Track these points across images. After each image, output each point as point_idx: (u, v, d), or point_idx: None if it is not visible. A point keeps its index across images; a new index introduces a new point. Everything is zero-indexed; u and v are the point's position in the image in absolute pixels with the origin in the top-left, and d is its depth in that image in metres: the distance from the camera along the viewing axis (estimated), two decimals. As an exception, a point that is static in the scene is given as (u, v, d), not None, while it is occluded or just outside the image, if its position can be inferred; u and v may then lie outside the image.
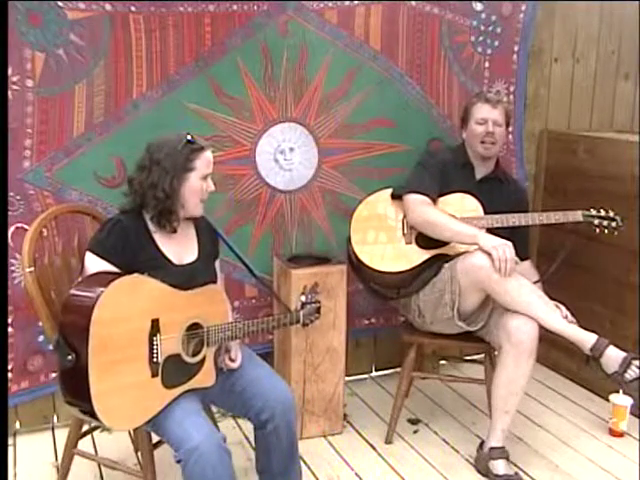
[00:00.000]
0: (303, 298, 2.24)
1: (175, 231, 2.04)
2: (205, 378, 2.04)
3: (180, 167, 1.97)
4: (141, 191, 1.99)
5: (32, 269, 2.06)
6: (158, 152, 1.98)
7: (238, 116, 2.76)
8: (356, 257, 2.65)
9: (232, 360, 2.12)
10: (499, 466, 2.47)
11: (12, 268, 2.52)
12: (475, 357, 3.20)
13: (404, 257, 2.62)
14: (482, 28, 3.06)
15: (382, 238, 2.66)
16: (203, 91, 2.68)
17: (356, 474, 2.56)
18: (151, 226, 2.02)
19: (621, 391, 2.76)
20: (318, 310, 2.29)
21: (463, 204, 2.65)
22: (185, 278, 2.01)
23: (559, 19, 3.32)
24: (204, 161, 2.01)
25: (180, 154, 1.97)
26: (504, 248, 2.36)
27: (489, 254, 2.37)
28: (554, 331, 2.39)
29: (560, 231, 2.86)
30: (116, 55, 2.53)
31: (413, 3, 2.92)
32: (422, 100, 3.03)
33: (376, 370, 3.37)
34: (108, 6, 2.48)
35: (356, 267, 2.72)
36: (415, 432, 2.86)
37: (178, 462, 1.87)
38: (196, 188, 2.01)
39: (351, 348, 3.05)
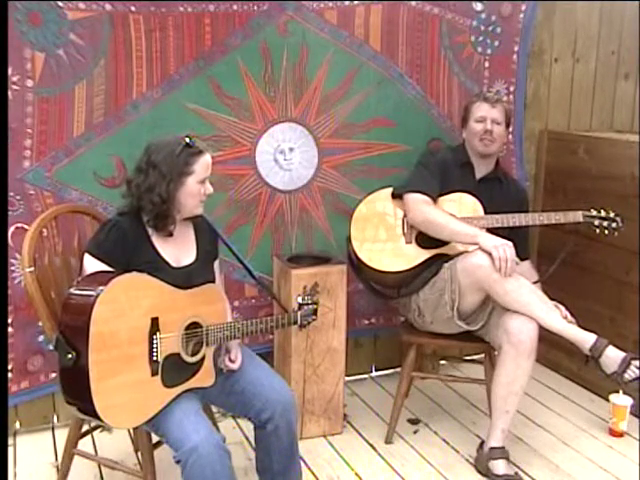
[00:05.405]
0: (300, 299, 2.23)
1: (171, 235, 2.03)
2: (205, 378, 2.04)
3: (177, 171, 1.95)
4: (138, 194, 1.97)
5: (32, 269, 2.06)
6: (156, 155, 1.95)
7: (238, 116, 2.76)
8: (356, 257, 2.65)
9: (232, 361, 2.11)
10: (499, 466, 2.47)
11: (12, 268, 2.52)
12: (475, 357, 3.19)
13: (404, 256, 2.62)
14: (482, 28, 3.06)
15: (382, 237, 2.65)
16: (203, 91, 2.68)
17: (356, 474, 2.56)
18: (148, 228, 2.02)
19: (621, 391, 2.76)
20: (315, 312, 2.27)
21: (463, 204, 2.66)
22: (183, 280, 2.00)
23: (559, 19, 3.31)
24: (203, 165, 1.99)
25: (178, 158, 1.94)
26: (504, 248, 2.36)
27: (489, 254, 2.37)
28: (554, 331, 2.39)
29: (560, 231, 2.86)
30: (116, 55, 2.53)
31: (413, 3, 2.93)
32: (422, 100, 3.03)
33: (376, 370, 3.36)
34: (108, 6, 2.48)
35: (356, 267, 2.72)
36: (415, 432, 2.85)
37: (177, 462, 1.87)
38: (193, 192, 1.99)
39: (351, 348, 3.05)
